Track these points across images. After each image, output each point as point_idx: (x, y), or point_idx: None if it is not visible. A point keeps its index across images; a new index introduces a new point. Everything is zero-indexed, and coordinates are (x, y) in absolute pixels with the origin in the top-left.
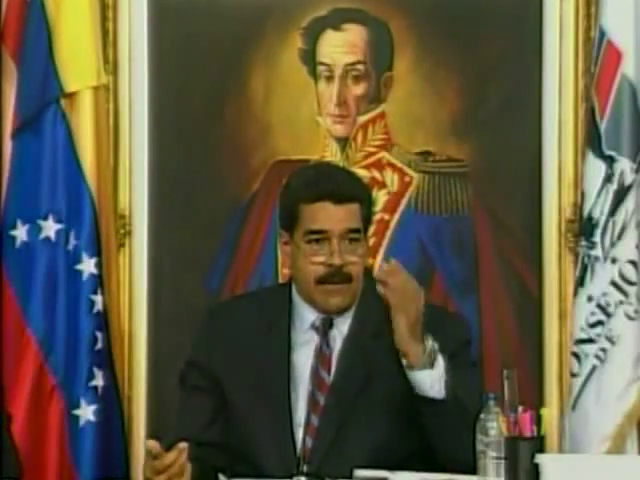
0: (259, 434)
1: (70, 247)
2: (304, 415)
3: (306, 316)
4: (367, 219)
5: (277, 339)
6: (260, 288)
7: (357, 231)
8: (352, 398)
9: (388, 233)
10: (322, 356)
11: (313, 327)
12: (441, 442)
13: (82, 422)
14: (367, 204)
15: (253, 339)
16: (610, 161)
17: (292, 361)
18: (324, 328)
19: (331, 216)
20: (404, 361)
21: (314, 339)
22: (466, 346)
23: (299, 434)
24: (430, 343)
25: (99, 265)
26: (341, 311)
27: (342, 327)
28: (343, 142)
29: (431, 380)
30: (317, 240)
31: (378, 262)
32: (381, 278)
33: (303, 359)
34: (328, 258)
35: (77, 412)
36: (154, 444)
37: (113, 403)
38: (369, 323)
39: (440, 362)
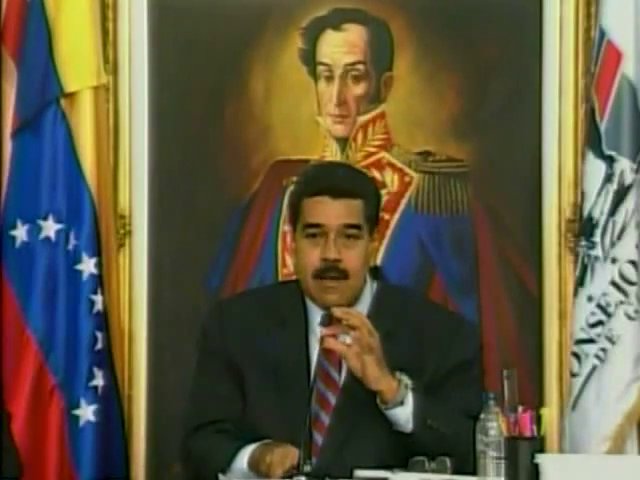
0: (272, 420)
1: (70, 247)
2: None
3: (315, 312)
4: (372, 217)
5: (293, 334)
6: (270, 284)
7: (355, 227)
8: (364, 399)
9: (388, 233)
10: (330, 353)
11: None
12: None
13: (82, 422)
14: (373, 202)
15: (267, 333)
16: (610, 161)
17: (310, 356)
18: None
19: (328, 210)
20: (379, 400)
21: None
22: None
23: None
24: (404, 379)
25: (99, 265)
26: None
27: None
28: (343, 142)
29: (405, 415)
30: (314, 235)
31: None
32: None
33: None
34: (323, 252)
35: (77, 412)
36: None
37: (113, 403)
38: (382, 323)
39: (410, 398)
